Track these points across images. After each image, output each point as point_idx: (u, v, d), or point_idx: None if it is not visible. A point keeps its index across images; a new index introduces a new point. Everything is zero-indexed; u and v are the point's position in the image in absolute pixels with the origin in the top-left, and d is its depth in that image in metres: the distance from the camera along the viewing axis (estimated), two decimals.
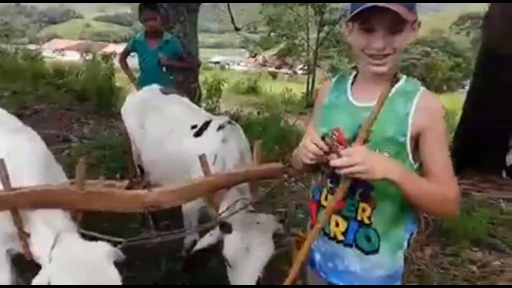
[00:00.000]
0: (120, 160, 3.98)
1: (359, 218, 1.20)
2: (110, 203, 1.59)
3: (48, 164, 1.68)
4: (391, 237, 1.21)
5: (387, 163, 1.09)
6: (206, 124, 2.24)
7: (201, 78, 7.68)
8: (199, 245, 1.58)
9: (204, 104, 6.70)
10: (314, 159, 1.13)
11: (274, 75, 29.79)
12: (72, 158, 4.33)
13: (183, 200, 1.75)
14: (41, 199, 1.51)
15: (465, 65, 25.97)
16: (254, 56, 24.30)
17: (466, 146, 5.06)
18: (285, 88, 16.07)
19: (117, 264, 1.35)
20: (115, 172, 3.99)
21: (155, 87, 2.81)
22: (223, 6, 7.51)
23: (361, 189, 1.18)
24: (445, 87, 23.51)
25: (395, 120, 1.15)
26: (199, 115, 2.44)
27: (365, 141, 1.12)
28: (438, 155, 1.15)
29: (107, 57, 9.84)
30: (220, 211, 1.77)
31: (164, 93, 2.70)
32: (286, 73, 28.91)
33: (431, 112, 1.15)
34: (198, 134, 2.23)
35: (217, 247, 1.62)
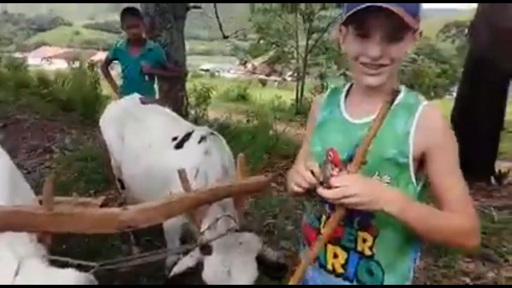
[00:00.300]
0: (102, 172, 3.85)
1: (359, 249, 1.08)
2: (81, 224, 1.45)
3: (15, 182, 1.55)
4: (397, 269, 1.08)
5: (386, 193, 0.95)
6: (188, 136, 2.12)
7: (190, 86, 7.57)
8: (177, 269, 1.46)
9: (192, 112, 6.59)
10: (307, 188, 0.99)
11: (263, 83, 29.83)
12: (53, 171, 4.18)
13: (162, 218, 1.61)
14: (5, 222, 1.37)
15: (451, 72, 26.28)
16: (244, 64, 24.27)
17: None
18: (274, 95, 16.07)
19: None
20: (98, 185, 3.86)
21: (136, 96, 2.70)
22: (210, 13, 7.42)
23: (359, 217, 1.05)
24: (432, 94, 23.76)
25: (395, 140, 1.02)
26: (181, 126, 2.32)
27: (363, 163, 0.98)
28: (449, 180, 1.01)
29: (93, 65, 9.65)
30: (202, 229, 1.66)
31: (143, 102, 2.58)
32: (276, 80, 28.96)
33: (434, 129, 1.02)
34: (179, 146, 2.11)
35: (198, 269, 1.51)
